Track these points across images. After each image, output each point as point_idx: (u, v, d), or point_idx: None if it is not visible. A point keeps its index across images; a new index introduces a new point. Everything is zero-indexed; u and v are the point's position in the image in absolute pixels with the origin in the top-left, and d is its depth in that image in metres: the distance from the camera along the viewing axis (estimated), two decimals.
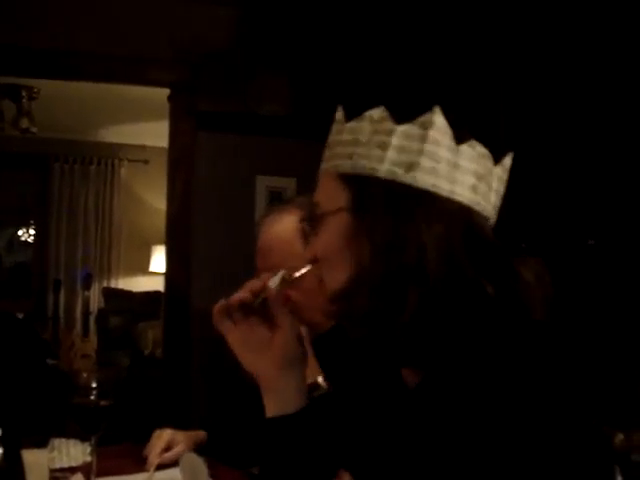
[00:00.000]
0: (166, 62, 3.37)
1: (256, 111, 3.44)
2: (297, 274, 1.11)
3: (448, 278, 0.90)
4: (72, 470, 1.56)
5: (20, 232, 7.68)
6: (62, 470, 1.53)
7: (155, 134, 5.56)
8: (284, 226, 1.62)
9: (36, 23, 3.17)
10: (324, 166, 1.01)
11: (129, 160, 7.33)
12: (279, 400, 1.05)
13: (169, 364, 3.46)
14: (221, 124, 3.44)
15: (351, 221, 0.95)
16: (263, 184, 3.49)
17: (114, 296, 7.05)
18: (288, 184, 3.49)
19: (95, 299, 7.17)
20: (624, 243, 2.41)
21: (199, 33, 3.35)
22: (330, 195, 0.98)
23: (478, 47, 2.58)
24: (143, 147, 7.18)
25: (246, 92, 3.43)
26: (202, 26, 3.35)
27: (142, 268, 7.31)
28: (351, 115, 0.99)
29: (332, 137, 1.01)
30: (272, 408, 1.05)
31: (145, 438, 1.87)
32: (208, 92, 3.41)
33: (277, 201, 3.45)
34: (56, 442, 1.74)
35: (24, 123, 5.43)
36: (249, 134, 3.46)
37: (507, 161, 0.99)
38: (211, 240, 3.44)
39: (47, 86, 5.00)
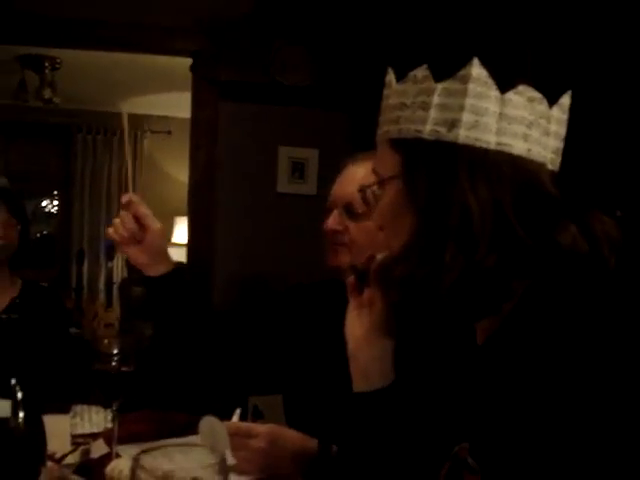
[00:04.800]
0: (188, 31, 3.34)
1: (279, 81, 3.41)
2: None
3: (496, 238, 0.88)
4: (94, 436, 1.57)
5: (44, 203, 7.72)
6: (84, 436, 1.55)
7: (178, 105, 5.54)
8: (369, 166, 1.68)
9: None
10: (378, 133, 0.99)
11: (152, 131, 7.32)
12: (361, 370, 1.05)
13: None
14: (243, 94, 3.41)
15: (402, 187, 0.94)
16: (285, 155, 3.47)
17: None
18: (310, 155, 3.46)
19: (118, 270, 7.22)
20: None
21: (221, 2, 3.32)
22: (384, 162, 0.98)
23: None
24: (166, 118, 7.16)
25: (269, 62, 3.39)
26: None
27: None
28: (399, 77, 0.97)
29: (383, 102, 0.99)
30: (355, 378, 1.05)
31: (165, 405, 1.89)
32: (230, 62, 3.37)
33: (299, 172, 3.44)
34: (78, 408, 1.76)
35: (47, 94, 5.43)
36: (271, 104, 3.43)
37: (565, 101, 0.96)
38: (233, 211, 3.43)
39: (70, 56, 4.99)
